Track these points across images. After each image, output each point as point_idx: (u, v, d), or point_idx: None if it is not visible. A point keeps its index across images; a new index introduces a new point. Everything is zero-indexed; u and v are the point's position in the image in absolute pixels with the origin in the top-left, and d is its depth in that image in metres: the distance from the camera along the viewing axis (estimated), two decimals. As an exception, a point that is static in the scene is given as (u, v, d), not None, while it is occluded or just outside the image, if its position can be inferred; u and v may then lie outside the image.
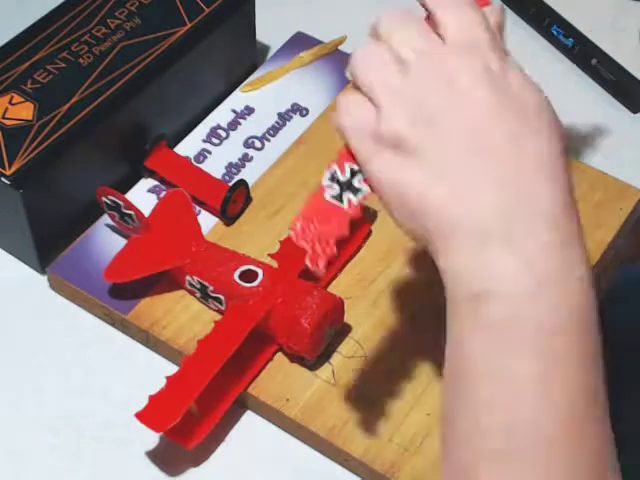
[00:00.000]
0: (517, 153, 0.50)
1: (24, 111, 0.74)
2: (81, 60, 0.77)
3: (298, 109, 0.84)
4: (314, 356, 0.69)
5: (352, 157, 0.54)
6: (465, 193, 0.50)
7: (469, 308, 0.50)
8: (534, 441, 0.48)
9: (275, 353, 0.70)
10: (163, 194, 0.78)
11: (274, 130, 0.82)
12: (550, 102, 0.57)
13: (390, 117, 0.51)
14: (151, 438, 0.67)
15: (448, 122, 0.51)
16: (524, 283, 0.49)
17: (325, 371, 0.69)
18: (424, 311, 0.72)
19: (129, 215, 0.72)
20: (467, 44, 0.54)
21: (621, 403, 0.52)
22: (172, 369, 0.68)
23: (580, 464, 0.49)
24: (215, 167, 0.80)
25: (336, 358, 0.70)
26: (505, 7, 0.96)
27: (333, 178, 0.55)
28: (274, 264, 0.71)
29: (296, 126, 0.83)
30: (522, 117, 0.53)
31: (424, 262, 0.74)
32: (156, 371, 0.68)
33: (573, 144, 0.82)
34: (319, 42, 0.88)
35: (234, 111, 0.83)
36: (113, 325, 0.73)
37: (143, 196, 0.78)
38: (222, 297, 0.70)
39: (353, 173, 0.54)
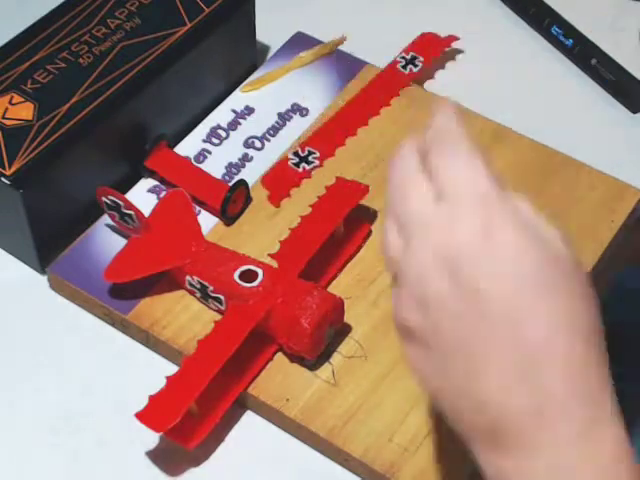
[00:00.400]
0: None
1: (24, 111, 0.74)
2: (81, 60, 0.77)
3: (298, 109, 0.84)
4: (314, 356, 0.69)
5: None
6: (500, 395, 0.47)
7: None
8: None
9: (275, 353, 0.70)
10: (163, 194, 0.78)
11: (274, 130, 0.82)
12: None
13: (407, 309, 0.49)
14: (151, 438, 0.67)
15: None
16: None
17: (325, 371, 0.69)
18: (424, 311, 0.72)
19: (129, 215, 0.72)
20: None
21: (623, 401, 0.50)
22: (172, 369, 0.68)
23: None
24: (215, 167, 0.80)
25: (336, 358, 0.70)
26: (505, 7, 0.96)
27: None
28: (274, 264, 0.71)
29: (296, 126, 0.83)
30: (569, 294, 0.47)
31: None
32: (156, 371, 0.68)
33: (573, 144, 0.82)
34: (319, 42, 0.88)
35: (234, 111, 0.83)
36: (113, 325, 0.73)
37: (143, 196, 0.78)
38: (222, 297, 0.70)
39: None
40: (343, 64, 0.87)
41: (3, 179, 0.71)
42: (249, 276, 0.70)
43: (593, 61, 0.89)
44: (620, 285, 0.88)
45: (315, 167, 0.80)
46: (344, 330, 0.71)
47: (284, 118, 0.83)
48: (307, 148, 0.81)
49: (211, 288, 0.70)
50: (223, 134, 0.82)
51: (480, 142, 0.83)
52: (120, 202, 0.72)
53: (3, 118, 0.73)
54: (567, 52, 0.91)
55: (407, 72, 0.86)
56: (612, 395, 0.47)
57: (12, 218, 0.73)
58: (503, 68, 0.91)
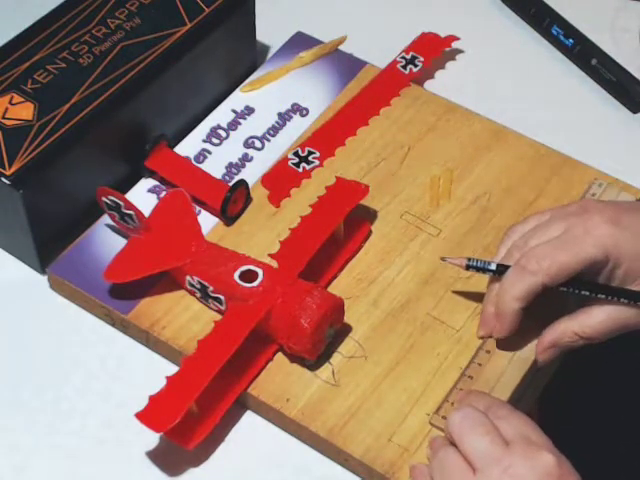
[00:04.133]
0: None
1: (24, 111, 0.74)
2: (81, 60, 0.77)
3: (298, 109, 0.84)
4: (314, 356, 0.69)
5: None
6: None
7: None
8: None
9: (275, 353, 0.70)
10: (163, 194, 0.78)
11: (274, 130, 0.82)
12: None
13: None
14: (151, 438, 0.67)
15: None
16: None
17: (325, 371, 0.69)
18: (424, 311, 0.72)
19: (129, 215, 0.72)
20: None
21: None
22: (172, 369, 0.68)
23: None
24: (215, 167, 0.80)
25: (336, 358, 0.70)
26: (505, 7, 0.96)
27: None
28: (274, 264, 0.71)
29: (296, 126, 0.83)
30: None
31: (424, 262, 0.75)
32: (156, 371, 0.68)
33: (573, 144, 0.82)
34: (319, 42, 0.88)
35: (234, 111, 0.83)
36: (113, 325, 0.73)
37: (143, 196, 0.78)
38: (222, 297, 0.70)
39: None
40: (343, 64, 0.87)
41: (3, 179, 0.71)
42: (249, 276, 0.70)
43: (593, 61, 0.89)
44: None
45: (315, 167, 0.80)
46: (344, 330, 0.71)
47: (284, 118, 0.83)
48: (307, 148, 0.81)
49: (211, 288, 0.70)
50: (223, 134, 0.82)
51: (480, 142, 0.83)
52: (120, 202, 0.72)
53: (3, 118, 0.73)
54: (567, 52, 0.91)
55: (407, 72, 0.86)
56: None
57: (12, 218, 0.73)
58: (503, 68, 0.91)
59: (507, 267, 0.68)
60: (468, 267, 0.70)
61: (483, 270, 0.69)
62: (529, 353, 0.70)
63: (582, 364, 0.79)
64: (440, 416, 0.66)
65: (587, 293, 0.67)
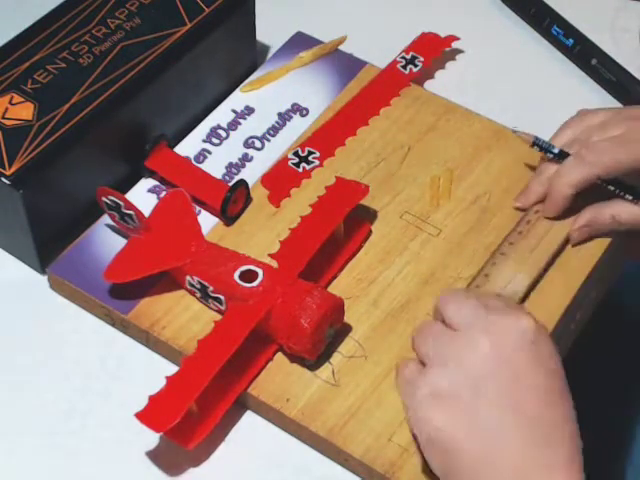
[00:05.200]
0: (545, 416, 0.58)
1: (24, 111, 0.74)
2: (81, 60, 0.77)
3: (298, 109, 0.84)
4: (314, 356, 0.69)
5: None
6: (494, 449, 0.57)
7: None
8: None
9: (275, 353, 0.70)
10: (163, 194, 0.78)
11: (274, 130, 0.82)
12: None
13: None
14: (151, 438, 0.67)
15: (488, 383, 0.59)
16: None
17: (325, 371, 0.69)
18: (424, 311, 0.72)
19: (129, 215, 0.72)
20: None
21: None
22: (172, 369, 0.68)
23: None
24: (215, 167, 0.80)
25: (336, 358, 0.70)
26: (505, 7, 0.96)
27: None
28: (274, 264, 0.71)
29: (296, 126, 0.83)
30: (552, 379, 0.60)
31: (424, 262, 0.75)
32: (156, 371, 0.68)
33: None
34: (319, 42, 0.88)
35: (234, 111, 0.83)
36: (113, 325, 0.73)
37: (143, 196, 0.78)
38: (222, 297, 0.70)
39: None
40: (343, 64, 0.87)
41: (3, 179, 0.71)
42: (249, 276, 0.70)
43: (593, 61, 0.89)
44: (626, 277, 0.89)
45: (315, 167, 0.80)
46: (344, 330, 0.71)
47: (284, 118, 0.83)
48: (307, 148, 0.81)
49: (211, 288, 0.70)
50: (223, 134, 0.82)
51: (480, 142, 0.83)
52: (120, 202, 0.72)
53: (3, 118, 0.73)
54: (567, 52, 0.91)
55: (407, 72, 0.86)
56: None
57: (12, 218, 0.73)
58: (503, 68, 0.91)
59: (567, 154, 0.74)
60: (534, 144, 0.76)
61: (546, 151, 0.75)
62: (519, 287, 0.72)
63: (582, 363, 0.79)
64: None
65: (630, 197, 0.73)
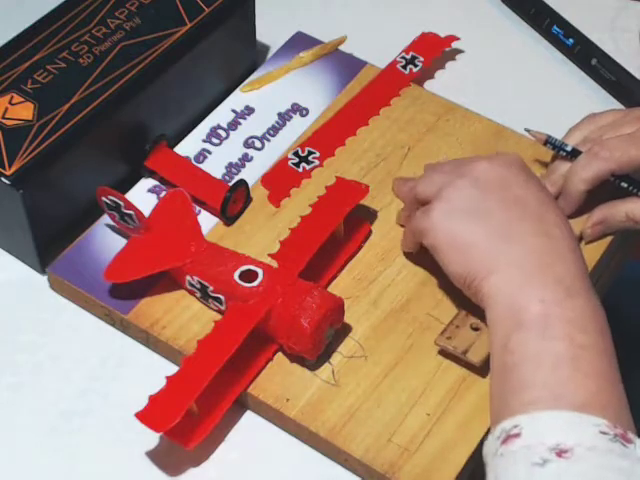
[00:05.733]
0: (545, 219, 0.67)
1: (24, 111, 0.74)
2: (81, 60, 0.77)
3: (298, 109, 0.84)
4: (314, 356, 0.69)
5: None
6: (503, 240, 0.66)
7: (511, 317, 0.63)
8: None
9: (275, 353, 0.70)
10: (163, 194, 0.78)
11: (274, 130, 0.82)
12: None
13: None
14: (151, 438, 0.67)
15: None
16: (554, 294, 0.63)
17: (325, 371, 0.69)
18: (424, 311, 0.72)
19: (129, 215, 0.72)
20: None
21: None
22: (172, 369, 0.68)
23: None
24: (215, 167, 0.80)
25: (336, 358, 0.70)
26: (505, 7, 0.96)
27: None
28: (274, 264, 0.71)
29: (296, 126, 0.83)
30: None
31: (424, 262, 0.75)
32: (156, 371, 0.68)
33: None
34: (319, 42, 0.88)
35: (234, 111, 0.83)
36: (113, 325, 0.73)
37: (143, 196, 0.78)
38: (222, 297, 0.70)
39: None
40: (343, 64, 0.87)
41: (3, 179, 0.71)
42: (249, 276, 0.70)
43: (593, 61, 0.89)
44: (625, 277, 0.89)
45: (315, 167, 0.80)
46: (344, 330, 0.71)
47: (284, 118, 0.83)
48: (307, 148, 0.81)
49: (211, 288, 0.70)
50: (223, 134, 0.82)
51: (480, 142, 0.83)
52: (120, 202, 0.72)
53: (3, 118, 0.73)
54: (567, 52, 0.91)
55: (407, 72, 0.86)
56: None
57: (12, 218, 0.73)
58: (503, 68, 0.91)
59: (580, 152, 0.75)
60: (546, 142, 0.77)
61: (559, 149, 0.76)
62: None
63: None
64: (445, 337, 0.68)
65: None
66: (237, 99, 0.84)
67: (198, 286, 0.71)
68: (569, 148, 0.76)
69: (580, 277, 0.64)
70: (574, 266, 0.65)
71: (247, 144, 0.82)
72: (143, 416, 0.64)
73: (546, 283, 0.63)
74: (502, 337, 0.63)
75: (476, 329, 0.68)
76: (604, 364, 0.61)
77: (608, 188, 0.74)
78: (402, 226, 0.75)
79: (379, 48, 0.88)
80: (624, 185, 0.74)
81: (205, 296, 0.71)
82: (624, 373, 0.62)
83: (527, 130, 0.79)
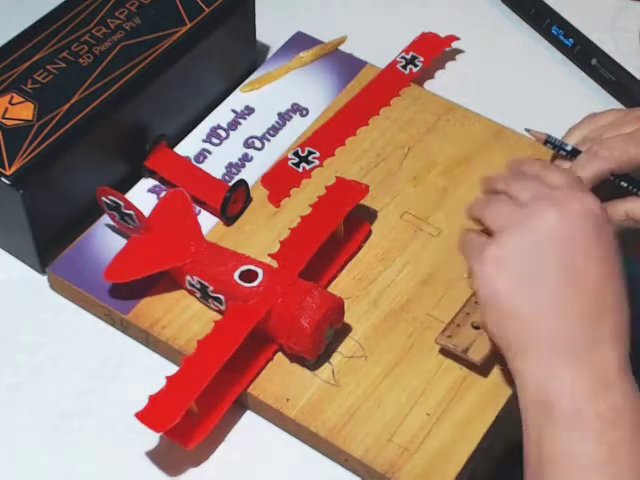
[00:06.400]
0: (597, 297, 0.62)
1: (24, 111, 0.74)
2: (81, 60, 0.77)
3: (298, 109, 0.84)
4: (314, 356, 0.69)
5: None
6: (546, 317, 0.62)
7: (541, 408, 0.60)
8: None
9: (275, 353, 0.70)
10: (163, 194, 0.78)
11: (274, 130, 0.82)
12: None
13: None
14: (151, 438, 0.67)
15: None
16: (587, 385, 0.59)
17: (325, 371, 0.69)
18: (424, 311, 0.72)
19: (129, 215, 0.72)
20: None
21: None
22: (172, 369, 0.68)
23: None
24: (215, 167, 0.80)
25: (336, 358, 0.70)
26: (505, 7, 0.96)
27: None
28: (274, 264, 0.71)
29: (296, 126, 0.83)
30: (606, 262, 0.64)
31: (424, 262, 0.75)
32: (156, 371, 0.68)
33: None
34: (319, 42, 0.88)
35: (234, 111, 0.83)
36: (113, 325, 0.73)
37: (143, 196, 0.78)
38: (222, 297, 0.70)
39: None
40: (343, 64, 0.87)
41: (3, 179, 0.71)
42: (249, 276, 0.70)
43: (593, 61, 0.89)
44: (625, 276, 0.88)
45: (315, 167, 0.80)
46: (344, 330, 0.71)
47: (284, 118, 0.83)
48: (307, 148, 0.81)
49: (211, 288, 0.70)
50: (223, 134, 0.82)
51: (480, 142, 0.83)
52: (120, 202, 0.72)
53: (3, 118, 0.73)
54: (567, 52, 0.91)
55: (407, 72, 0.86)
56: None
57: (12, 218, 0.73)
58: (503, 68, 0.91)
59: (580, 152, 0.75)
60: (546, 142, 0.77)
61: (559, 148, 0.76)
62: None
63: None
64: (446, 335, 0.68)
65: None
66: (237, 99, 0.84)
67: (198, 286, 0.71)
68: (569, 147, 0.76)
69: (619, 366, 0.60)
70: (616, 354, 0.60)
71: (247, 144, 0.82)
72: (143, 416, 0.64)
73: (581, 372, 0.60)
74: (533, 427, 0.60)
75: (477, 327, 0.68)
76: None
77: (608, 187, 0.74)
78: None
79: (379, 48, 0.88)
80: (624, 184, 0.74)
81: (205, 296, 0.71)
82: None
83: (527, 130, 0.79)
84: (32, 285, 0.76)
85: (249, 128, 0.82)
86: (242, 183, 0.77)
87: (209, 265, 0.71)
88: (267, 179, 0.79)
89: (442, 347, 0.69)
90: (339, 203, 0.74)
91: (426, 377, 0.69)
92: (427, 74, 0.89)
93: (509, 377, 0.68)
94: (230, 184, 0.77)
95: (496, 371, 0.69)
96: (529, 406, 0.61)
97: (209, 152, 0.81)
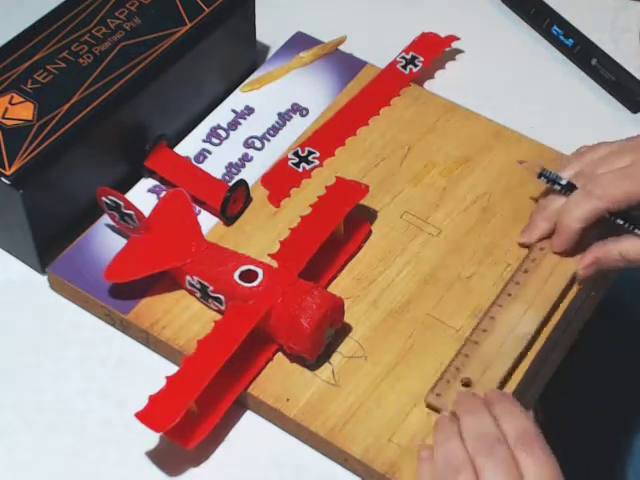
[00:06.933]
0: None
1: (24, 111, 0.74)
2: (81, 60, 0.77)
3: (298, 109, 0.84)
4: (314, 356, 0.69)
5: None
6: None
7: None
8: None
9: (275, 353, 0.70)
10: (163, 194, 0.78)
11: (274, 130, 0.82)
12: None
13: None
14: (151, 438, 0.67)
15: None
16: None
17: (325, 371, 0.69)
18: (424, 311, 0.72)
19: (129, 215, 0.72)
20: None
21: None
22: (172, 369, 0.68)
23: None
24: (215, 167, 0.80)
25: (336, 358, 0.70)
26: (505, 7, 0.96)
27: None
28: (274, 264, 0.71)
29: (296, 126, 0.83)
30: None
31: (423, 262, 0.75)
32: (156, 371, 0.68)
33: (573, 144, 0.82)
34: (319, 42, 0.88)
35: (234, 111, 0.83)
36: (113, 325, 0.73)
37: (143, 196, 0.78)
38: (222, 297, 0.70)
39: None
40: (343, 64, 0.87)
41: (3, 179, 0.71)
42: (249, 276, 0.70)
43: (593, 61, 0.89)
44: (626, 276, 0.89)
45: (315, 167, 0.80)
46: (344, 330, 0.71)
47: (284, 118, 0.83)
48: (307, 148, 0.81)
49: (211, 288, 0.70)
50: (223, 134, 0.82)
51: (480, 142, 0.83)
52: (120, 202, 0.72)
53: (3, 118, 0.73)
54: (567, 52, 0.91)
55: (407, 72, 0.86)
56: None
57: (12, 218, 0.73)
58: (503, 68, 0.91)
59: (574, 187, 0.72)
60: (541, 175, 0.74)
61: (553, 182, 0.73)
62: (529, 328, 0.70)
63: (582, 363, 0.80)
64: (435, 394, 0.67)
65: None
66: (237, 99, 0.84)
67: (198, 286, 0.71)
68: (563, 182, 0.73)
69: None
70: None
71: (247, 144, 0.82)
72: (143, 416, 0.64)
73: None
74: None
75: (466, 385, 0.67)
76: None
77: (604, 223, 0.72)
78: None
79: (379, 48, 0.88)
80: (620, 222, 0.72)
81: (205, 296, 0.71)
82: (624, 372, 0.62)
83: (520, 162, 0.76)
84: (32, 285, 0.76)
85: (249, 128, 0.82)
86: (242, 183, 0.77)
87: (209, 265, 0.71)
88: (267, 179, 0.79)
89: (430, 406, 0.67)
90: (339, 203, 0.74)
91: (426, 377, 0.69)
92: (427, 74, 0.89)
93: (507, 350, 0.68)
94: (230, 184, 0.77)
95: (497, 342, 0.69)
96: None
97: (209, 152, 0.81)
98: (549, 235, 0.74)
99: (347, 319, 0.71)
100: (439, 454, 0.63)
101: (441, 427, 0.64)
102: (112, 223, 0.75)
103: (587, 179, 0.72)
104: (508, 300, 0.71)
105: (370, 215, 0.77)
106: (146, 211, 0.74)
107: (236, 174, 0.80)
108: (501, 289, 0.72)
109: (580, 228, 0.72)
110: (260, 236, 0.76)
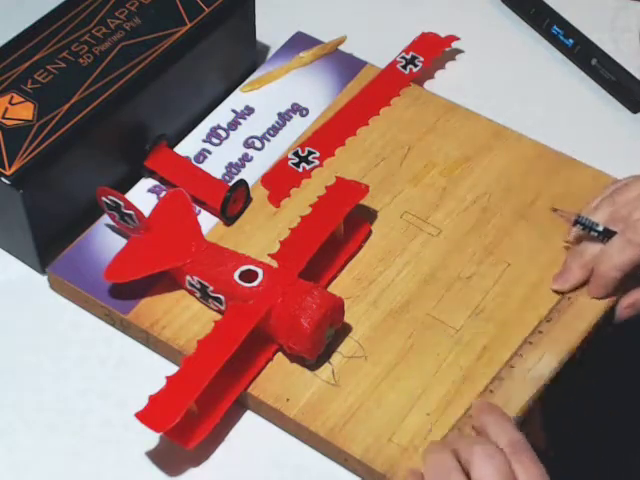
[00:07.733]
0: None
1: (24, 111, 0.74)
2: (81, 60, 0.77)
3: (298, 109, 0.84)
4: (314, 356, 0.69)
5: None
6: None
7: None
8: None
9: (275, 353, 0.70)
10: (163, 194, 0.78)
11: (274, 130, 0.82)
12: None
13: None
14: (151, 438, 0.67)
15: None
16: None
17: (325, 371, 0.69)
18: (424, 311, 0.72)
19: (129, 215, 0.72)
20: None
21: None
22: (172, 369, 0.68)
23: None
24: (215, 167, 0.80)
25: (336, 358, 0.70)
26: (505, 7, 0.96)
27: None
28: (274, 264, 0.71)
29: (296, 126, 0.83)
30: None
31: (423, 262, 0.75)
32: (156, 371, 0.68)
33: (573, 144, 0.82)
34: (319, 42, 0.88)
35: (234, 111, 0.83)
36: (113, 325, 0.73)
37: (143, 196, 0.78)
38: (222, 297, 0.70)
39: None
40: (343, 64, 0.87)
41: (3, 179, 0.71)
42: (249, 276, 0.70)
43: (593, 61, 0.89)
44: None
45: (315, 167, 0.80)
46: (344, 330, 0.71)
47: (284, 118, 0.83)
48: (307, 148, 0.81)
49: (211, 288, 0.70)
50: (223, 134, 0.82)
51: (480, 142, 0.83)
52: (120, 202, 0.72)
53: (3, 118, 0.73)
54: (567, 52, 0.91)
55: (407, 72, 0.86)
56: None
57: (12, 218, 0.73)
58: (503, 68, 0.91)
59: (613, 232, 0.71)
60: (576, 222, 0.72)
61: (590, 229, 0.71)
62: (544, 371, 0.69)
63: (583, 383, 0.79)
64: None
65: None
66: (237, 99, 0.84)
67: (198, 286, 0.71)
68: (601, 229, 0.71)
69: None
70: None
71: (247, 144, 0.82)
72: (143, 416, 0.64)
73: None
74: None
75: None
76: None
77: None
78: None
79: (379, 48, 0.88)
80: None
81: (205, 296, 0.71)
82: (624, 371, 0.62)
83: (554, 210, 0.74)
84: (32, 285, 0.76)
85: (249, 128, 0.82)
86: (242, 183, 0.77)
87: (209, 265, 0.71)
88: (267, 179, 0.79)
89: None
90: (339, 203, 0.74)
91: (426, 377, 0.69)
92: (427, 74, 0.89)
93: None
94: (230, 184, 0.77)
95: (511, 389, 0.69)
96: None
97: (209, 152, 0.81)
98: (582, 284, 0.73)
99: (347, 319, 0.71)
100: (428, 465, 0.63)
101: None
102: (112, 223, 0.75)
103: (625, 225, 0.71)
104: (529, 349, 0.70)
105: (370, 215, 0.77)
106: (146, 211, 0.74)
107: (236, 174, 0.80)
108: (524, 338, 0.70)
109: (619, 276, 0.71)
110: (260, 236, 0.76)
